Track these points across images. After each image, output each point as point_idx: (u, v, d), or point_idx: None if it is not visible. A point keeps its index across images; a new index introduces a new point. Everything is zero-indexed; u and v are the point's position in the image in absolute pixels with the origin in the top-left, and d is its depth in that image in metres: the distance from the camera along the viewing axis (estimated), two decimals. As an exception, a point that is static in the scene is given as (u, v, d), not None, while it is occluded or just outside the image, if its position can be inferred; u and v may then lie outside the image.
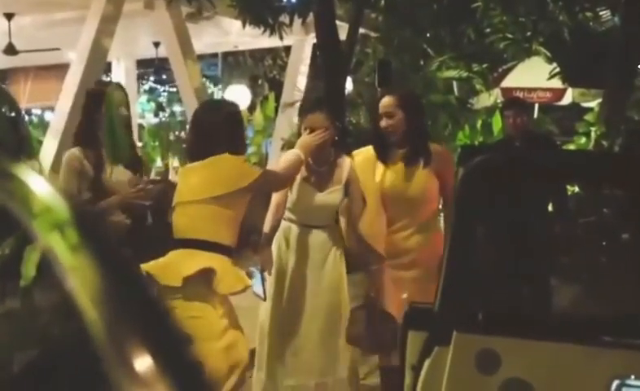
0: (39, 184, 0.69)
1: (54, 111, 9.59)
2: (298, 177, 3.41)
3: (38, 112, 17.72)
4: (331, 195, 3.46)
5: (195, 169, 3.07)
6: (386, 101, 3.51)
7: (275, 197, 3.51)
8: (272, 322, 3.48)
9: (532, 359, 2.07)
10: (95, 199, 3.28)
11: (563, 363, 2.07)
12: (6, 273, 1.68)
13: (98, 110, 3.35)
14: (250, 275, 3.24)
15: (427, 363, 2.13)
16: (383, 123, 3.47)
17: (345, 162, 3.49)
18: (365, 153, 3.60)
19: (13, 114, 1.53)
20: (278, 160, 3.55)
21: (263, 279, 3.39)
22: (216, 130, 3.06)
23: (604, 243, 6.57)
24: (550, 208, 5.15)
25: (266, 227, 3.49)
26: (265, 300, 3.42)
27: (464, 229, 2.17)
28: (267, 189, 3.36)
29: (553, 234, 5.14)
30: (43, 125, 13.70)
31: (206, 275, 2.89)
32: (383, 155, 3.53)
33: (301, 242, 3.50)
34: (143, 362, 0.44)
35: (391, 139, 3.49)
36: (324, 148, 3.40)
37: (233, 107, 3.31)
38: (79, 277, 0.53)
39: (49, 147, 8.55)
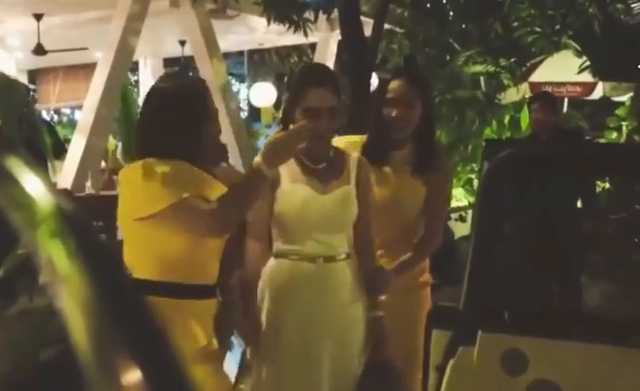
0: (40, 187, 0.66)
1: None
2: (285, 180, 2.32)
3: (68, 111, 17.96)
4: (341, 196, 2.33)
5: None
6: (404, 87, 2.66)
7: (250, 231, 2.33)
8: None
9: (561, 360, 2.02)
10: None
11: (593, 364, 2.01)
12: (25, 272, 1.68)
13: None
14: (227, 345, 2.28)
15: (451, 363, 2.09)
16: (396, 113, 2.61)
17: (351, 156, 2.43)
18: (349, 142, 2.68)
19: (25, 109, 1.51)
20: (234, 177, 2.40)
21: (242, 360, 2.34)
22: (148, 121, 2.18)
23: (636, 240, 6.44)
24: (578, 204, 5.05)
25: (243, 279, 2.32)
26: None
27: (489, 226, 2.12)
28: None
29: (582, 230, 5.05)
30: (72, 124, 13.88)
31: None
32: (380, 154, 2.66)
33: (311, 285, 2.29)
34: (131, 375, 0.42)
35: (398, 135, 2.67)
36: (322, 141, 2.33)
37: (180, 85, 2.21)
38: (70, 285, 0.50)
39: (77, 145, 8.65)
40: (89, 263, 0.52)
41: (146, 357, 0.43)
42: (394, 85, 2.68)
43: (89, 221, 0.63)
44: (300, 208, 2.29)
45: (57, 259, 0.55)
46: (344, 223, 2.35)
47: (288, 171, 2.31)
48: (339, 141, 2.61)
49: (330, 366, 2.26)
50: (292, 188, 2.30)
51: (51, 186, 0.68)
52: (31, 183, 0.68)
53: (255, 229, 2.34)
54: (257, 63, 17.40)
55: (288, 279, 2.29)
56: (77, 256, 0.53)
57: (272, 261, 2.35)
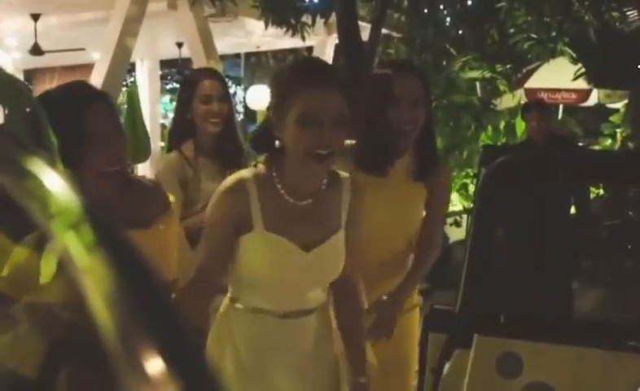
0: (56, 182, 0.68)
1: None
2: (258, 224, 1.73)
3: (63, 111, 17.90)
4: (328, 250, 1.79)
5: None
6: (415, 83, 2.26)
7: (202, 282, 1.81)
8: None
9: (555, 363, 2.05)
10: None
11: (586, 368, 2.03)
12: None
13: (190, 101, 2.74)
14: None
15: (447, 366, 2.10)
16: (406, 114, 2.23)
17: (345, 181, 1.84)
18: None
19: (30, 109, 1.51)
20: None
21: None
22: None
23: (629, 246, 6.48)
24: (572, 209, 5.09)
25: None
26: None
27: (485, 230, 2.15)
28: None
29: (576, 236, 5.08)
30: (68, 125, 13.83)
31: None
32: (382, 164, 2.27)
33: (276, 341, 1.82)
34: (154, 364, 0.44)
35: (407, 139, 2.28)
36: (321, 168, 1.75)
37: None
38: (92, 277, 0.52)
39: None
40: (110, 253, 0.54)
41: (169, 346, 0.45)
42: (404, 81, 2.27)
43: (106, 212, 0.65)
44: (274, 266, 1.76)
45: (76, 251, 0.57)
46: (327, 279, 1.86)
47: (262, 210, 1.74)
48: None
49: None
50: (266, 239, 1.73)
51: (67, 180, 0.70)
52: (47, 178, 0.70)
53: (209, 278, 1.81)
54: (254, 65, 17.44)
55: (252, 334, 1.83)
56: (97, 247, 0.55)
57: (228, 304, 1.87)
